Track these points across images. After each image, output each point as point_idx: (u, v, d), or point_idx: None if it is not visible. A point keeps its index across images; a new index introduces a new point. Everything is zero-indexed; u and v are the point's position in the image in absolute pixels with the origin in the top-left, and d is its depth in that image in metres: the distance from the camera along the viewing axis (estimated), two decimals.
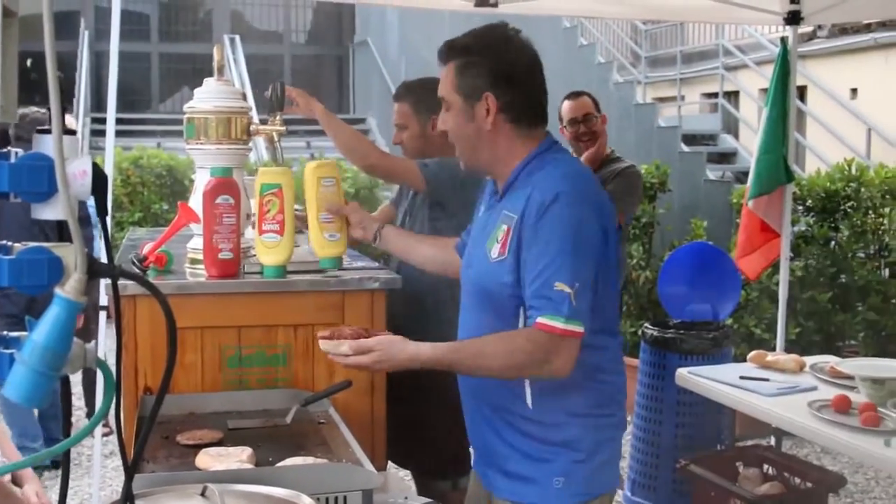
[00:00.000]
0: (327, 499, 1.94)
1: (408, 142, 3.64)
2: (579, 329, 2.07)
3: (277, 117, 2.89)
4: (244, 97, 2.93)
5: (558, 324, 2.05)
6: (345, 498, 1.97)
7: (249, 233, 2.87)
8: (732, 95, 10.76)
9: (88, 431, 1.14)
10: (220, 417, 2.49)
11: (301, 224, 2.90)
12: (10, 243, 1.12)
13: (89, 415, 6.10)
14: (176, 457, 2.21)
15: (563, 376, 2.12)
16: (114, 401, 1.21)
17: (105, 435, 4.83)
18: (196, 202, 2.76)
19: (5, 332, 1.12)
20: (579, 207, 2.13)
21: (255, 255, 2.77)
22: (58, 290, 1.07)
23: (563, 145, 2.38)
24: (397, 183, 3.82)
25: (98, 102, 13.60)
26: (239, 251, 2.68)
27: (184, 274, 2.77)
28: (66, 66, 13.41)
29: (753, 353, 4.33)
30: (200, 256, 2.71)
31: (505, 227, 2.21)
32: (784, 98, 5.00)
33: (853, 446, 3.31)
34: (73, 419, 6.23)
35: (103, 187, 1.13)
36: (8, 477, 2.47)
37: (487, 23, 2.33)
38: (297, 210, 2.79)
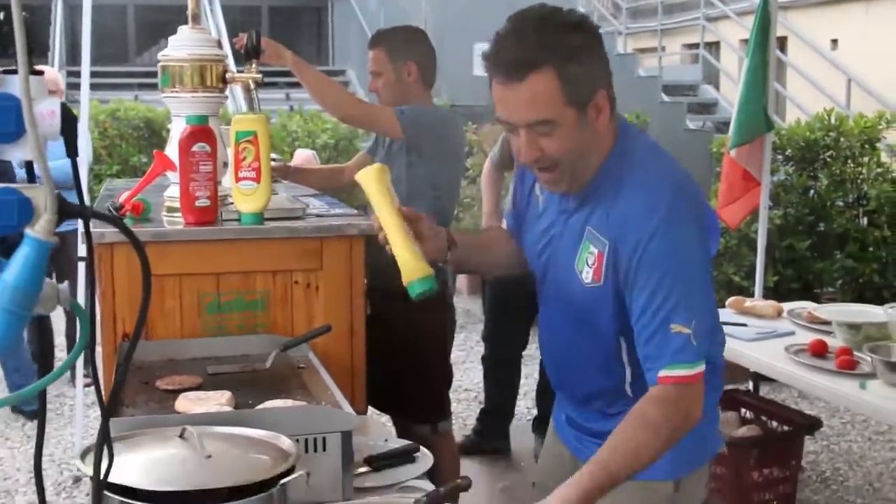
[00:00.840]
0: (306, 440, 1.95)
1: (383, 89, 3.63)
2: (702, 369, 1.85)
3: (253, 65, 2.87)
4: (219, 45, 2.91)
5: (681, 372, 1.83)
6: (324, 439, 1.98)
7: (227, 182, 2.86)
8: (714, 46, 10.73)
9: (62, 372, 1.15)
10: (200, 363, 2.50)
11: (277, 174, 2.88)
12: None
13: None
14: (155, 402, 2.21)
15: (698, 420, 1.88)
16: (87, 342, 1.22)
17: (87, 385, 4.85)
18: (172, 151, 2.75)
19: None
20: (680, 233, 1.86)
21: (232, 204, 2.76)
22: (28, 231, 1.07)
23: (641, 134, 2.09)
24: (374, 131, 3.81)
25: (74, 56, 13.43)
26: (216, 198, 2.68)
27: (161, 222, 2.77)
28: (41, 21, 13.24)
29: (731, 299, 4.39)
30: (178, 205, 2.70)
31: (595, 251, 1.95)
32: (764, 48, 5.00)
33: (830, 389, 3.38)
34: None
35: (73, 128, 1.12)
36: None
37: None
38: (274, 159, 2.78)
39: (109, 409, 1.28)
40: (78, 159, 1.14)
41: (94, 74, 6.12)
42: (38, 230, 1.06)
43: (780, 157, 6.52)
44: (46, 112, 1.10)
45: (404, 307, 2.39)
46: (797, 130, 6.61)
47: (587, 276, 1.97)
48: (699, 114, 9.12)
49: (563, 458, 2.28)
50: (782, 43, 9.50)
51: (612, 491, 1.87)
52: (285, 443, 1.69)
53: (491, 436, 5.06)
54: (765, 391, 5.28)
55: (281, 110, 11.09)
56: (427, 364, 3.61)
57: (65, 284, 1.14)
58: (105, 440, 1.30)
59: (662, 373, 1.83)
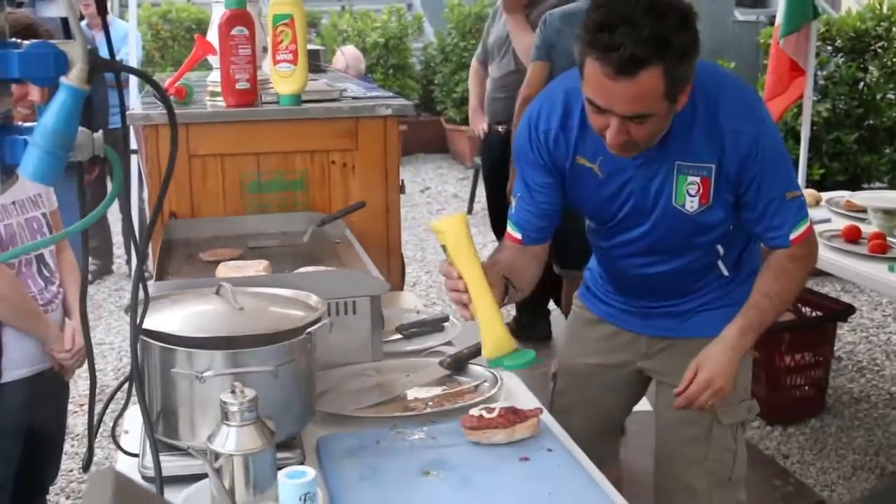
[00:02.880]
0: (336, 304, 2.08)
1: None
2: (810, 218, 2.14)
3: None
4: None
5: (804, 227, 2.08)
6: (354, 303, 2.11)
7: (267, 68, 2.94)
8: None
9: (107, 206, 1.26)
10: (242, 239, 2.63)
11: None
12: (18, 40, 1.21)
13: (128, 261, 6.33)
14: (198, 272, 2.35)
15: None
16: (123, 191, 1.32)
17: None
18: (213, 36, 2.84)
19: (20, 123, 1.23)
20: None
21: (272, 88, 2.85)
22: (63, 80, 1.17)
23: None
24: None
25: None
26: (255, 81, 2.77)
27: (204, 105, 2.87)
28: None
29: None
30: (219, 89, 2.80)
31: (696, 178, 2.03)
32: None
33: (860, 272, 3.42)
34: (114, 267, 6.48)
35: None
36: (58, 305, 2.60)
37: None
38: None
39: (142, 255, 1.39)
40: (128, 55, 1.23)
41: None
42: (73, 78, 1.16)
43: (829, 48, 6.42)
44: None
45: None
46: (847, 20, 6.48)
47: (692, 204, 2.07)
48: (752, 7, 8.96)
49: (616, 337, 2.40)
50: None
51: (704, 345, 2.14)
52: (313, 299, 1.81)
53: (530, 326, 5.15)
54: (808, 283, 5.32)
55: (332, 10, 11.09)
56: None
57: (99, 133, 1.24)
58: (140, 281, 1.41)
59: (793, 235, 2.07)
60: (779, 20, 5.03)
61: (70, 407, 4.27)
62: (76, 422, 4.14)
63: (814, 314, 4.24)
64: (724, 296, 2.26)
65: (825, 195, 4.31)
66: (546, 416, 1.88)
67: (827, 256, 3.52)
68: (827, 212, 4.08)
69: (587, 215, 2.30)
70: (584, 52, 1.83)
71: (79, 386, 4.42)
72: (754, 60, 6.84)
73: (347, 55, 6.43)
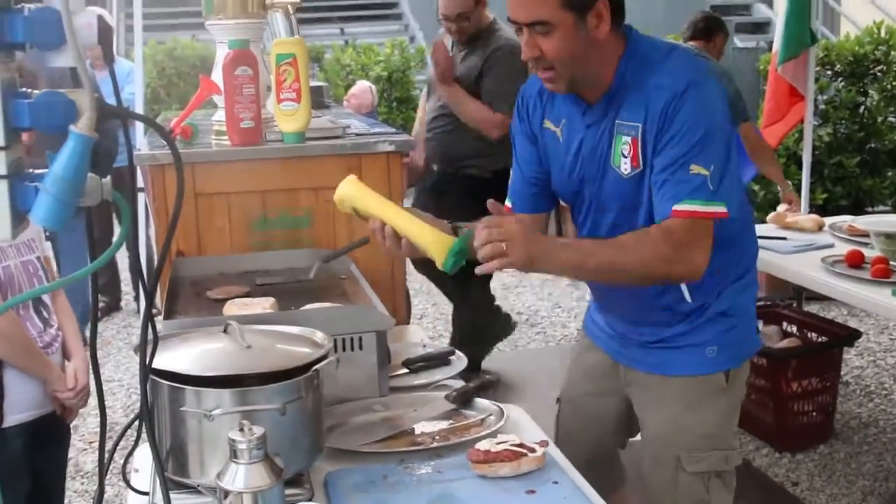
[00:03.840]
0: (343, 340, 2.10)
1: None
2: (722, 209, 1.95)
3: None
4: None
5: (697, 207, 1.93)
6: (360, 339, 2.13)
7: (271, 106, 2.98)
8: None
9: (109, 256, 1.29)
10: (248, 276, 2.65)
11: None
12: (28, 90, 1.25)
13: (136, 297, 6.35)
14: (206, 309, 2.37)
15: (698, 276, 1.99)
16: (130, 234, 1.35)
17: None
18: (217, 76, 2.88)
19: (32, 170, 1.26)
20: (706, 94, 1.98)
21: (276, 126, 2.89)
22: (72, 128, 1.20)
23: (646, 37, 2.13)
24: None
25: None
26: (260, 120, 2.80)
27: (209, 144, 2.91)
28: None
29: (773, 213, 4.43)
30: (224, 128, 2.84)
31: (628, 139, 2.03)
32: None
33: (863, 297, 3.43)
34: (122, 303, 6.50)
35: (108, 37, 1.25)
36: (58, 348, 2.63)
37: None
38: None
39: (151, 294, 1.42)
40: (133, 94, 1.25)
41: (151, 15, 6.28)
42: (82, 126, 1.19)
43: (828, 72, 6.47)
44: (84, 23, 1.23)
45: None
46: (846, 45, 6.54)
47: (626, 166, 2.05)
48: (752, 33, 9.02)
49: (604, 364, 2.39)
50: None
51: (668, 384, 2.19)
52: (319, 336, 1.83)
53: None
54: (814, 309, 5.33)
55: (335, 44, 11.18)
56: None
57: (108, 179, 1.27)
58: (149, 321, 1.44)
59: (678, 206, 1.93)
60: (776, 46, 5.08)
61: (80, 444, 4.31)
62: (86, 459, 4.16)
63: (819, 339, 4.25)
64: (688, 332, 2.18)
65: (828, 220, 4.34)
66: (552, 448, 1.90)
67: (830, 282, 3.54)
68: (830, 237, 4.11)
69: (559, 194, 2.28)
70: None
71: (88, 423, 4.45)
72: (755, 87, 6.88)
73: (359, 88, 6.60)
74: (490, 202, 2.00)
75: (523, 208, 2.28)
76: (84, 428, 4.46)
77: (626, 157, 2.04)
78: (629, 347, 2.31)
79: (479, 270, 1.88)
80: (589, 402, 2.44)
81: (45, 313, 2.59)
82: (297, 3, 2.96)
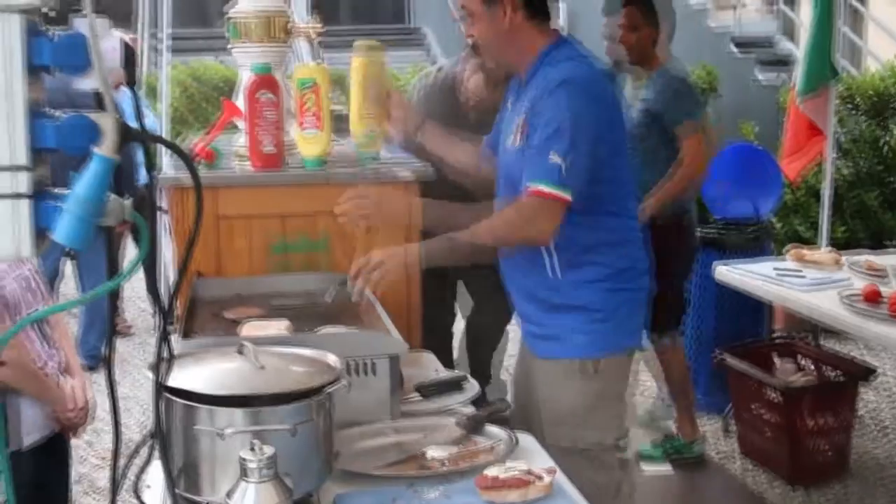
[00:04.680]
0: (356, 363, 2.12)
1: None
2: (567, 196, 2.29)
3: (314, 17, 3.03)
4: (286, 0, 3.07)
5: (546, 188, 2.28)
6: (373, 363, 2.15)
7: (293, 131, 3.02)
8: None
9: (126, 277, 1.32)
10: (266, 298, 2.68)
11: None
12: (55, 112, 1.28)
13: (153, 314, 6.41)
14: (222, 329, 2.40)
15: (546, 242, 2.38)
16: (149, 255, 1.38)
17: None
18: (240, 100, 2.93)
19: (56, 190, 1.29)
20: (581, 95, 2.35)
21: (297, 151, 2.93)
22: (95, 150, 1.24)
23: (578, 45, 2.55)
24: None
25: (158, 21, 13.76)
26: (281, 145, 2.85)
27: (232, 168, 2.95)
28: None
29: (792, 249, 4.41)
30: (246, 152, 2.88)
31: (522, 117, 2.43)
32: None
33: (880, 334, 3.41)
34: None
35: (132, 61, 1.29)
36: (55, 365, 2.64)
37: None
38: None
39: (167, 313, 1.45)
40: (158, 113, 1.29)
41: (176, 38, 6.36)
42: (104, 149, 1.22)
43: (850, 108, 6.47)
44: (109, 48, 1.26)
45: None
46: (867, 81, 6.54)
47: (512, 140, 2.46)
48: (775, 67, 9.02)
49: (525, 355, 2.74)
50: None
51: (540, 367, 2.56)
52: (332, 359, 1.85)
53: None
54: (832, 344, 5.31)
55: None
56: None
57: (129, 200, 1.30)
58: (164, 337, 1.47)
59: (531, 185, 2.31)
60: (797, 82, 5.09)
61: (93, 461, 4.34)
62: (99, 476, 4.20)
63: (835, 375, 4.24)
64: (555, 322, 2.50)
65: (846, 256, 4.32)
66: (560, 476, 1.91)
67: (846, 317, 3.53)
68: (848, 273, 4.09)
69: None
70: None
71: (103, 440, 4.48)
72: (776, 121, 6.88)
73: None
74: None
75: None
76: (99, 444, 4.49)
77: (514, 131, 2.46)
78: (528, 333, 2.65)
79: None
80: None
81: (46, 329, 2.61)
82: (319, 29, 3.01)
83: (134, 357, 5.96)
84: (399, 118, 2.73)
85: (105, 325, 5.70)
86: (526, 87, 2.49)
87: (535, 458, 2.02)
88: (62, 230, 1.23)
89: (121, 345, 6.08)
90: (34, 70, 1.23)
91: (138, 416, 5.02)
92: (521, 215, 2.36)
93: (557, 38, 2.52)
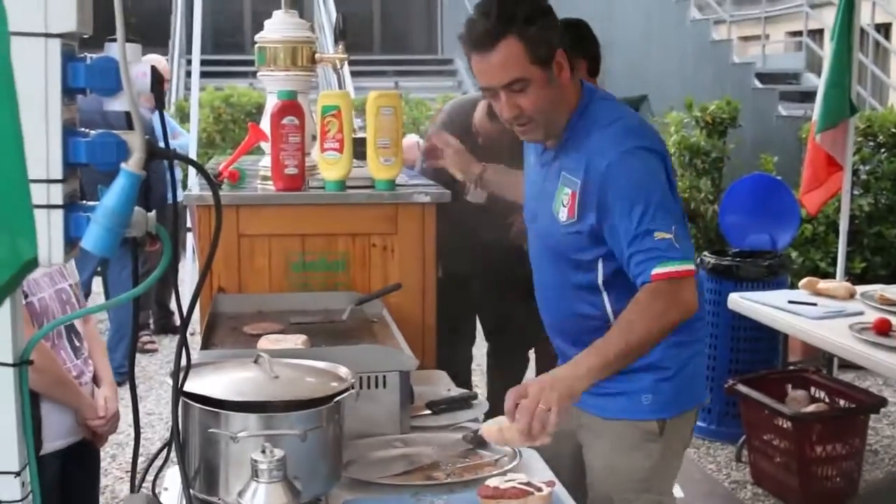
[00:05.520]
0: (368, 378, 2.21)
1: None
2: (690, 267, 2.10)
3: (340, 47, 3.14)
4: (311, 29, 3.18)
5: (672, 268, 2.07)
6: (384, 378, 2.24)
7: (315, 155, 3.13)
8: (818, 34, 10.62)
9: (147, 286, 1.42)
10: (284, 315, 2.77)
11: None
12: (86, 130, 1.39)
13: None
14: (241, 343, 2.50)
15: (695, 310, 2.12)
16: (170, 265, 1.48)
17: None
18: (265, 124, 3.04)
19: (85, 201, 1.40)
20: (641, 159, 2.17)
21: (319, 173, 3.03)
22: (123, 165, 1.34)
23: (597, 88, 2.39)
24: None
25: (191, 45, 14.01)
26: (303, 167, 2.95)
27: (255, 188, 3.06)
28: (163, 10, 13.85)
29: (805, 280, 4.48)
30: (269, 173, 2.99)
31: (569, 191, 2.25)
32: (849, 32, 5.06)
33: (889, 365, 3.47)
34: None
35: (160, 85, 1.39)
36: (89, 376, 2.75)
37: None
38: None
39: (186, 323, 1.54)
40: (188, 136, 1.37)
41: (210, 63, 6.52)
42: (132, 165, 1.32)
43: (871, 143, 6.52)
44: (139, 72, 1.37)
45: None
46: (888, 116, 6.60)
47: (563, 215, 2.27)
48: (800, 102, 9.09)
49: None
50: (886, 29, 9.38)
51: (602, 427, 2.34)
52: (343, 371, 1.94)
53: None
54: (849, 377, 5.34)
55: None
56: None
57: (153, 213, 1.40)
58: (183, 344, 1.56)
59: (655, 271, 2.07)
60: (815, 116, 5.15)
61: (116, 473, 4.44)
62: (122, 487, 4.28)
63: (846, 405, 4.28)
64: (623, 379, 2.25)
65: (860, 289, 4.38)
66: (559, 489, 1.98)
67: (857, 348, 3.59)
68: (861, 305, 4.15)
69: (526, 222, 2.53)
70: (466, 53, 2.22)
71: (126, 453, 4.58)
72: (797, 154, 6.95)
73: (406, 144, 6.73)
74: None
75: None
76: (122, 457, 4.59)
77: (564, 206, 2.26)
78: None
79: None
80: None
81: (76, 341, 2.72)
82: (343, 58, 3.12)
83: (158, 374, 6.08)
84: (456, 162, 2.89)
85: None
86: (564, 147, 2.29)
87: (536, 471, 2.10)
88: (90, 239, 1.33)
89: (146, 362, 6.21)
90: (69, 91, 1.33)
91: (162, 432, 5.11)
92: (664, 305, 2.07)
93: (584, 89, 2.33)
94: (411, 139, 7.85)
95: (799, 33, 10.66)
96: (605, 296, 2.32)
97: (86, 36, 1.36)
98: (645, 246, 2.09)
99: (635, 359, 2.12)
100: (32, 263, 1.23)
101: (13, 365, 1.34)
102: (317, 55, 3.08)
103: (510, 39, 2.13)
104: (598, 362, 2.02)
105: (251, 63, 3.37)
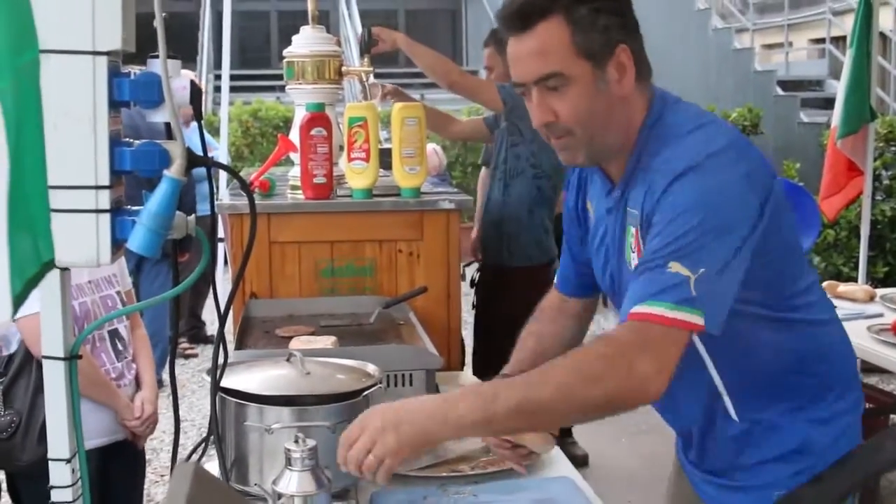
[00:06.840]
0: (395, 376, 2.31)
1: (496, 81, 4.02)
2: (693, 320, 1.48)
3: (366, 59, 3.25)
4: (338, 43, 3.29)
5: (661, 310, 1.48)
6: (410, 376, 2.34)
7: (343, 164, 3.24)
8: (841, 41, 10.65)
9: (188, 286, 1.52)
10: (314, 318, 2.88)
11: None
12: (131, 139, 1.50)
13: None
14: (274, 345, 2.60)
15: (653, 396, 1.47)
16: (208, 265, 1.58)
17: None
18: (294, 135, 3.15)
19: (130, 206, 1.50)
20: (716, 179, 1.54)
21: (346, 182, 3.14)
22: (165, 172, 1.44)
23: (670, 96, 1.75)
24: (477, 101, 4.14)
25: (220, 61, 14.20)
26: (331, 176, 3.06)
27: (285, 197, 3.17)
28: (190, 26, 14.07)
29: (826, 283, 4.51)
30: (299, 183, 3.10)
31: (633, 229, 1.69)
32: (867, 38, 5.12)
33: None
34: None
35: (198, 98, 1.50)
36: (129, 378, 2.87)
37: None
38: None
39: (224, 321, 1.64)
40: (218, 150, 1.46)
41: (238, 77, 6.67)
42: (173, 171, 1.43)
43: (893, 148, 6.56)
44: (179, 86, 1.47)
45: None
46: None
47: (634, 261, 1.71)
48: (823, 109, 9.13)
49: (687, 492, 2.02)
50: None
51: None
52: (371, 368, 2.04)
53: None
54: (873, 381, 5.37)
55: None
56: None
57: (192, 217, 1.51)
58: (221, 341, 1.67)
59: (636, 308, 1.50)
60: (835, 122, 5.21)
61: (152, 477, 4.55)
62: (157, 491, 4.40)
63: (868, 406, 4.32)
64: (750, 469, 1.81)
65: (880, 291, 4.42)
66: (578, 478, 2.06)
67: (874, 349, 3.64)
68: (881, 307, 4.19)
69: (601, 285, 1.95)
70: (503, 36, 1.71)
71: (161, 458, 4.70)
72: (819, 161, 7.00)
73: (428, 153, 6.82)
74: None
75: (570, 291, 2.08)
76: (157, 461, 4.71)
77: (633, 250, 1.70)
78: (697, 476, 1.96)
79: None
80: None
81: (119, 346, 2.84)
82: (370, 70, 3.23)
83: (192, 382, 6.20)
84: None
85: (166, 348, 5.95)
86: (633, 178, 1.70)
87: (556, 466, 2.18)
88: (135, 240, 1.43)
89: (179, 370, 6.32)
90: (115, 104, 1.44)
91: (195, 438, 5.23)
92: (605, 364, 1.48)
93: (654, 97, 1.72)
94: (430, 147, 7.98)
95: (822, 40, 10.71)
96: (707, 360, 1.75)
97: (129, 52, 1.46)
98: (648, 276, 1.53)
99: (533, 429, 1.71)
100: (50, 264, 1.35)
101: (64, 359, 1.45)
102: (343, 68, 3.19)
103: (553, 20, 1.60)
104: (478, 416, 1.49)
105: (278, 77, 3.49)
